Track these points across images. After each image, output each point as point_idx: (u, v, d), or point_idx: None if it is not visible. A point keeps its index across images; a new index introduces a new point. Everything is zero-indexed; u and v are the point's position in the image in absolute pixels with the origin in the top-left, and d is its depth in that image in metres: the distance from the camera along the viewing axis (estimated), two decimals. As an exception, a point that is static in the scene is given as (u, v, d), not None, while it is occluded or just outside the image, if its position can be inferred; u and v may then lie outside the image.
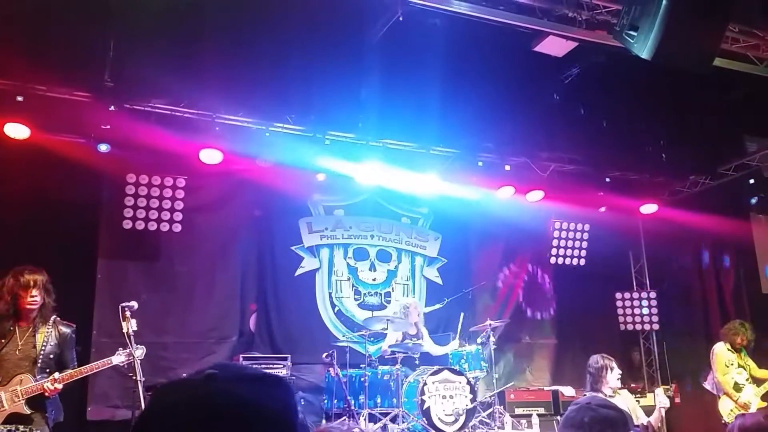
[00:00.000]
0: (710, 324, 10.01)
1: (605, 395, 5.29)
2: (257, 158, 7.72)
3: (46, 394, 4.44)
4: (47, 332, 4.54)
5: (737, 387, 7.36)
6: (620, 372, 5.59)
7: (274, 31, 6.47)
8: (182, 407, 0.97)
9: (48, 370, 4.52)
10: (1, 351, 4.42)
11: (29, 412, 4.42)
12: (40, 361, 4.49)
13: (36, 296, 4.50)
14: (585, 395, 5.55)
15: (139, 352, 4.53)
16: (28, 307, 4.51)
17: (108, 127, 6.92)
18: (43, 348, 4.50)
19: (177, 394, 1.00)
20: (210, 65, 6.77)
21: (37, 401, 4.47)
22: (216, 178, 8.05)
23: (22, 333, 4.51)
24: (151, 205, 7.49)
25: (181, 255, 7.89)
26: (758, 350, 7.66)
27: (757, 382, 7.40)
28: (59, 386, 4.45)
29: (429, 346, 7.82)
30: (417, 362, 7.47)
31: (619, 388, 5.62)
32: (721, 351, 7.50)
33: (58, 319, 4.70)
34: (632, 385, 9.52)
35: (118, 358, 4.60)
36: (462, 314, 7.96)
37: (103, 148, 7.07)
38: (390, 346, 7.46)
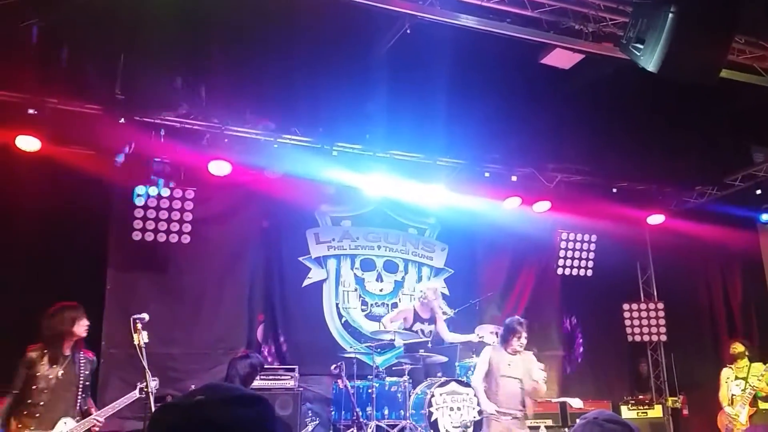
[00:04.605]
0: (718, 335, 9.99)
1: (511, 352, 5.87)
2: (265, 170, 7.78)
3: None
4: (82, 360, 5.06)
5: (733, 399, 7.56)
6: (525, 339, 6.02)
7: (283, 44, 6.52)
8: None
9: (84, 395, 5.05)
10: (49, 376, 4.89)
11: None
12: (81, 385, 5.01)
13: (86, 327, 5.07)
14: (591, 411, 5.57)
15: (154, 384, 4.82)
16: (78, 337, 5.03)
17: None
18: (82, 374, 5.04)
19: (170, 416, 1.14)
20: (219, 78, 6.83)
21: None
22: (224, 190, 8.09)
23: (63, 360, 4.98)
24: (161, 216, 7.53)
25: (189, 266, 7.94)
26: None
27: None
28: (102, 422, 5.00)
29: (443, 331, 7.83)
30: (422, 359, 7.26)
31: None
32: (722, 372, 7.79)
33: (84, 347, 5.24)
34: (640, 397, 9.49)
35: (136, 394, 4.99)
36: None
37: (120, 158, 7.12)
38: (397, 332, 7.43)
